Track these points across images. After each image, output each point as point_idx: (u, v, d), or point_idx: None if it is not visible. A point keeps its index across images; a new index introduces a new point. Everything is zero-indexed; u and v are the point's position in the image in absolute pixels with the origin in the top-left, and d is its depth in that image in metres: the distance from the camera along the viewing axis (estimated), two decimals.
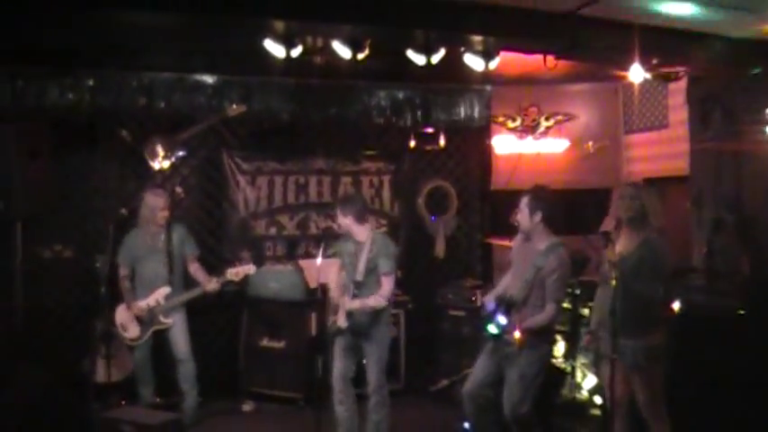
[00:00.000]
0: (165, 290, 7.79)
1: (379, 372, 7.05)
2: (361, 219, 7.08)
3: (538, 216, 6.31)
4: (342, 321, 6.94)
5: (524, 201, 6.37)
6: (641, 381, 5.86)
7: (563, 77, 9.38)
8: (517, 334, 6.03)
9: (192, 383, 7.85)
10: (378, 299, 6.88)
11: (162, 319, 7.76)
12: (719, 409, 6.59)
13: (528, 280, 6.26)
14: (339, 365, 7.07)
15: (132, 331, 7.79)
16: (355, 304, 6.91)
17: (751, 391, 6.59)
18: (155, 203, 7.84)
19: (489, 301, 6.50)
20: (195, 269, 8.04)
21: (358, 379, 7.22)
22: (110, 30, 6.87)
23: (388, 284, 6.98)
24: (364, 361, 7.11)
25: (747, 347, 6.74)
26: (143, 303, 7.76)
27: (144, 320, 7.76)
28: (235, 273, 7.79)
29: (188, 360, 7.85)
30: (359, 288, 6.97)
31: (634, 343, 5.79)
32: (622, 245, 5.86)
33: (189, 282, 8.03)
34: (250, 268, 7.86)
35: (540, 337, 6.27)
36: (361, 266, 7.00)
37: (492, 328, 6.20)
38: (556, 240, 6.36)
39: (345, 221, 7.06)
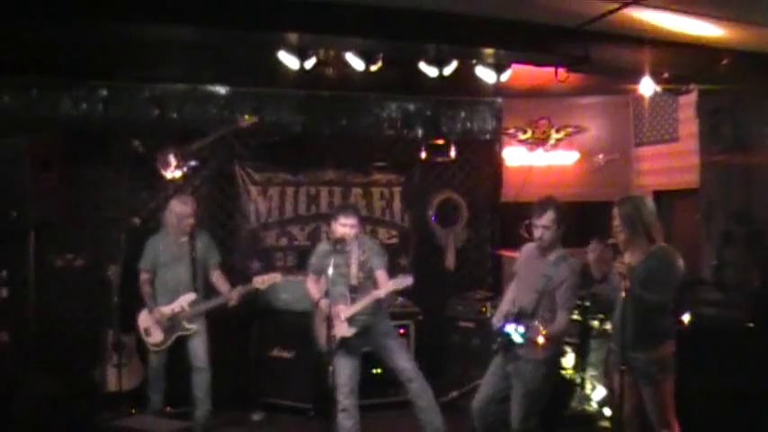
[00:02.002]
0: (191, 296, 7.77)
1: (409, 358, 7.29)
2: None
3: (561, 229, 6.30)
4: (345, 330, 7.01)
5: (551, 217, 6.22)
6: (652, 393, 5.82)
7: (574, 90, 9.40)
8: (541, 339, 5.99)
9: (207, 392, 7.81)
10: (379, 291, 6.97)
11: (186, 325, 7.74)
12: (729, 421, 6.59)
13: (538, 290, 6.23)
14: (347, 375, 7.07)
15: (156, 336, 7.76)
16: (358, 306, 7.01)
17: (760, 403, 6.59)
18: (182, 211, 7.83)
19: (498, 321, 6.47)
20: (217, 277, 8.03)
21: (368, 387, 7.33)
22: (124, 42, 6.91)
23: (384, 277, 7.07)
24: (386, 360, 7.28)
25: (757, 360, 6.75)
26: (167, 309, 7.73)
27: (168, 326, 7.75)
28: (261, 281, 7.76)
29: (205, 369, 7.83)
30: (356, 292, 7.07)
31: (645, 355, 5.76)
32: (630, 257, 5.86)
33: (210, 290, 8.01)
34: (276, 276, 7.83)
35: (548, 351, 6.26)
36: (354, 271, 7.10)
37: (516, 337, 6.12)
38: (564, 251, 6.36)
39: (356, 228, 7.13)
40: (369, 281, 7.12)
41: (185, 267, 7.85)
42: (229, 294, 7.80)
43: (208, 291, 7.99)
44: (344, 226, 7.05)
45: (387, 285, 6.98)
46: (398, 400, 8.32)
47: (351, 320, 7.04)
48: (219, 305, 7.88)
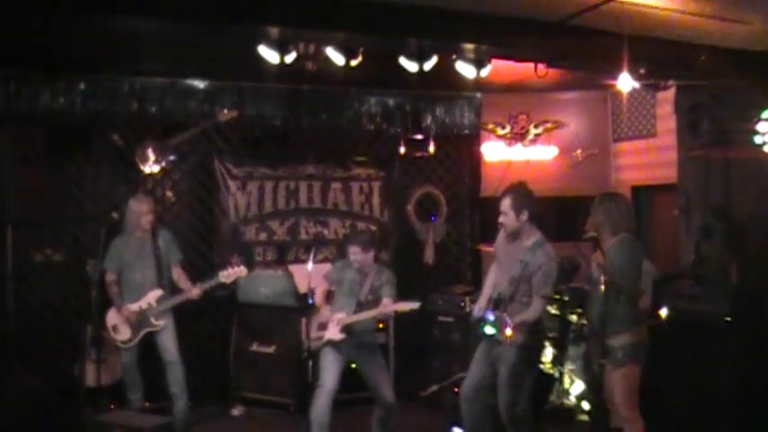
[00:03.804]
0: (158, 292, 7.79)
1: (390, 385, 7.34)
2: (373, 251, 7.37)
3: (525, 215, 6.36)
4: (334, 334, 7.09)
5: (507, 203, 6.39)
6: (617, 378, 5.91)
7: (552, 85, 9.42)
8: (509, 331, 6.06)
9: (182, 387, 7.84)
10: (382, 308, 7.07)
11: (153, 321, 7.76)
12: (707, 414, 6.65)
13: (515, 277, 6.31)
14: (330, 377, 7.10)
15: (124, 333, 7.77)
16: (357, 317, 7.11)
17: (736, 397, 6.65)
18: (139, 209, 7.87)
19: (479, 308, 6.56)
20: (178, 275, 8.02)
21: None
22: (103, 35, 6.88)
23: (389, 303, 7.16)
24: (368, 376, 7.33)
25: (734, 354, 6.80)
26: (134, 306, 7.75)
27: (135, 323, 7.75)
28: (226, 275, 7.80)
29: (177, 363, 7.85)
30: (360, 307, 7.17)
31: (612, 340, 5.86)
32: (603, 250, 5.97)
33: (176, 286, 8.02)
34: (241, 271, 7.87)
35: (529, 335, 6.32)
36: (366, 290, 7.23)
37: (489, 329, 6.21)
38: (540, 236, 6.42)
39: (368, 256, 7.26)
40: (374, 304, 7.19)
41: (150, 265, 7.87)
42: (190, 291, 7.81)
43: (174, 287, 7.98)
44: (355, 254, 7.22)
45: (392, 306, 7.07)
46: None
47: (345, 328, 7.12)
48: (184, 301, 7.88)
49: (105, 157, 9.05)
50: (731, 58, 7.48)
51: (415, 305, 7.07)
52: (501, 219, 6.45)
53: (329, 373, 7.08)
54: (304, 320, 8.39)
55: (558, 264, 6.55)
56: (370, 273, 7.29)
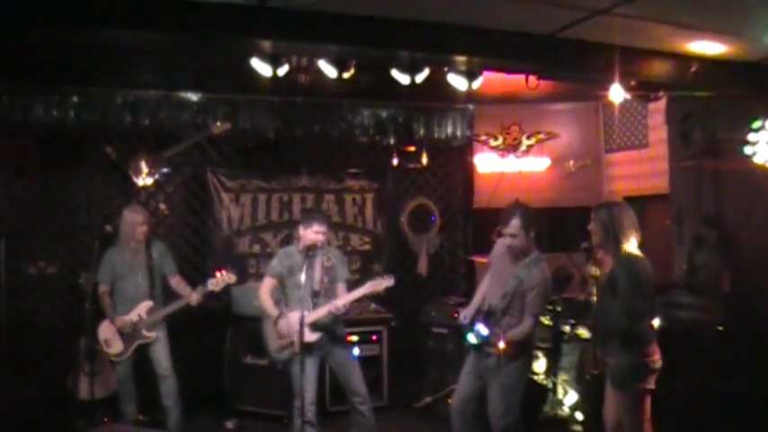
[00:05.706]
0: (148, 304, 7.76)
1: (362, 379, 7.15)
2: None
3: (533, 232, 6.34)
4: (308, 336, 6.84)
5: (516, 224, 6.25)
6: (622, 399, 5.76)
7: (544, 97, 9.46)
8: (501, 344, 6.06)
9: (175, 399, 7.81)
10: (341, 301, 6.92)
11: (145, 333, 7.72)
12: (700, 424, 6.65)
13: (509, 292, 6.29)
14: (311, 383, 6.99)
15: (116, 347, 7.74)
16: (323, 311, 6.91)
17: (731, 406, 6.66)
18: (133, 220, 7.83)
19: (465, 315, 6.55)
20: (177, 282, 7.99)
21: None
22: (96, 47, 6.88)
23: (344, 290, 7.07)
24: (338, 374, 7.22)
25: (727, 363, 6.81)
26: (126, 318, 7.72)
27: (127, 335, 7.73)
28: (215, 283, 7.71)
29: (170, 375, 7.81)
30: (317, 297, 6.99)
31: (615, 360, 5.75)
32: (606, 266, 5.90)
33: (169, 297, 7.95)
34: (230, 277, 7.79)
35: (519, 348, 6.30)
36: (318, 276, 7.03)
37: (471, 338, 6.23)
38: (538, 254, 6.41)
39: (326, 236, 7.11)
40: (332, 287, 7.09)
41: (143, 276, 7.84)
42: (189, 296, 7.76)
43: (166, 298, 7.93)
44: (318, 233, 6.98)
45: (362, 289, 6.93)
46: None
47: (314, 326, 6.93)
48: (177, 310, 7.81)
49: (99, 170, 9.06)
50: (722, 68, 7.52)
51: (389, 281, 6.95)
52: (509, 241, 6.33)
53: (310, 383, 6.94)
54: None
55: (551, 277, 6.53)
56: (317, 255, 7.03)
